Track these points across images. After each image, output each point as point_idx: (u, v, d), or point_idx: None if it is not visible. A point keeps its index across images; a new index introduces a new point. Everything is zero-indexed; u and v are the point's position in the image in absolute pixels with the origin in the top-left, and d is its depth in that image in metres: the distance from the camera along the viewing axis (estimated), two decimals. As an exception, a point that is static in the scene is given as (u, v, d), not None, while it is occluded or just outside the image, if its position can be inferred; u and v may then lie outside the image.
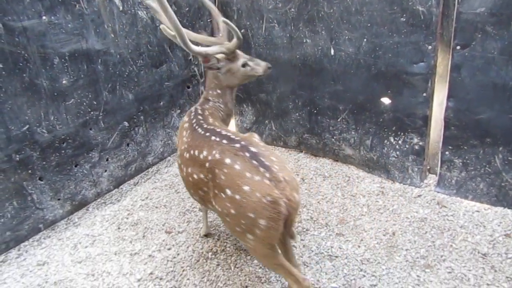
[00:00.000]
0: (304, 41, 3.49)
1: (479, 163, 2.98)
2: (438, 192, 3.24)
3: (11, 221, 2.90)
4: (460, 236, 2.81)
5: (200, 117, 2.50)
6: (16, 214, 2.92)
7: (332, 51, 3.34)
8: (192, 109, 2.68)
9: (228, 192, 1.90)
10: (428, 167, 3.39)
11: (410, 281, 2.51)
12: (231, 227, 2.02)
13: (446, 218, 2.99)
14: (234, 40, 2.49)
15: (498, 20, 2.54)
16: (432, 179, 3.38)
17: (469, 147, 2.98)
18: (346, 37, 3.22)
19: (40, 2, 2.77)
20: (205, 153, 2.12)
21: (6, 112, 2.74)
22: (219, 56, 2.58)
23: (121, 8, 3.26)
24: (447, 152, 3.10)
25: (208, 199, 2.16)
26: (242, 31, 3.89)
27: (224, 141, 2.10)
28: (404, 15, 2.90)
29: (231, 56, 2.61)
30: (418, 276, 2.54)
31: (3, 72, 2.68)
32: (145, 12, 3.43)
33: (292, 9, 3.43)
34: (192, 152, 2.23)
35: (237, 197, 1.86)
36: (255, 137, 2.20)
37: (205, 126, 2.36)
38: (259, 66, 2.69)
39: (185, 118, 2.62)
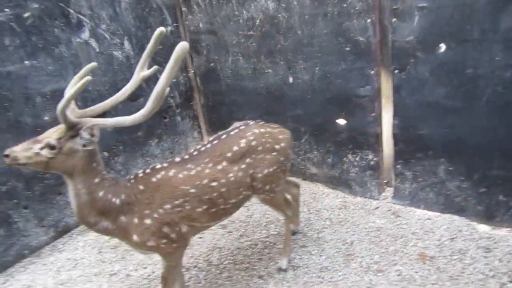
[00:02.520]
0: (266, 71, 3.83)
1: (426, 174, 3.26)
2: (394, 203, 3.51)
3: (-3, 248, 3.15)
4: (411, 242, 3.05)
5: None
6: (3, 241, 3.17)
7: (291, 79, 3.68)
8: None
9: None
10: (386, 181, 3.67)
11: (362, 284, 2.73)
12: None
13: (400, 227, 3.25)
14: None
15: (425, 47, 2.89)
16: (389, 191, 3.64)
17: (416, 160, 3.26)
18: (302, 66, 3.57)
19: (23, 49, 3.12)
20: None
21: (-7, 148, 3.03)
22: None
23: (97, 49, 3.61)
24: (398, 166, 3.39)
25: None
26: (212, 64, 4.25)
27: None
28: (348, 45, 3.24)
29: None
30: (370, 279, 2.76)
31: (-11, 112, 3.00)
32: (120, 52, 3.79)
33: (254, 43, 3.79)
34: None
35: None
36: None
37: None
38: None
39: None
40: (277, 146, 2.56)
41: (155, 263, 3.22)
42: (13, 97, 3.12)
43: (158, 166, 2.35)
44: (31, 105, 3.23)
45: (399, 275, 2.76)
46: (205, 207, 2.32)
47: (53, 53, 3.31)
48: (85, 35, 3.52)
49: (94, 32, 3.58)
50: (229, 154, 2.40)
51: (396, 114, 3.25)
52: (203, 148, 2.44)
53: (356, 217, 3.45)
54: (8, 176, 3.13)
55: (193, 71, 4.51)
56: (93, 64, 2.31)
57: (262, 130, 2.57)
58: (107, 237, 3.63)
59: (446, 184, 3.17)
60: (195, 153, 2.42)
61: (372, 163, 3.53)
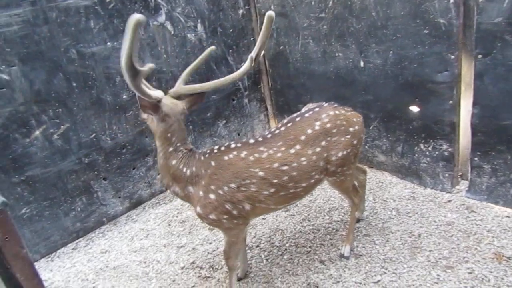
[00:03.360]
0: (336, 54, 3.74)
1: (507, 169, 3.01)
2: (469, 197, 3.29)
3: (80, 214, 3.45)
4: (486, 240, 2.86)
5: None
6: (85, 208, 3.47)
7: (362, 63, 3.56)
8: None
9: None
10: (460, 173, 3.45)
11: (429, 279, 2.63)
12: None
13: (474, 223, 3.05)
14: None
15: (515, 29, 2.63)
16: (464, 185, 3.43)
17: (497, 152, 3.02)
18: (374, 50, 3.43)
19: (105, 31, 3.34)
20: None
21: (78, 123, 3.31)
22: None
23: (172, 32, 3.75)
24: (476, 158, 3.16)
25: None
26: (281, 47, 4.23)
27: None
28: (427, 27, 3.05)
29: None
30: (438, 275, 2.65)
31: (76, 90, 3.26)
32: (193, 34, 3.91)
33: (325, 26, 3.70)
34: None
35: None
36: None
37: None
38: None
39: None
40: (351, 129, 2.51)
41: (219, 239, 3.35)
42: (96, 76, 3.35)
43: (233, 145, 2.43)
44: (112, 84, 3.45)
45: (470, 273, 2.61)
46: (272, 190, 2.35)
47: (132, 35, 3.50)
48: (162, 18, 3.67)
49: (170, 15, 3.72)
50: (303, 137, 2.39)
51: (476, 103, 3.01)
52: (277, 131, 2.46)
53: (425, 209, 3.30)
54: (89, 149, 3.41)
55: (262, 53, 4.52)
56: (212, 47, 2.58)
57: (336, 112, 2.53)
58: (176, 212, 3.84)
59: (530, 181, 2.92)
60: (269, 135, 2.45)
61: (446, 153, 3.33)
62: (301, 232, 3.30)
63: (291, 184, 2.37)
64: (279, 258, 3.04)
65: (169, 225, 3.70)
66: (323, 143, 2.42)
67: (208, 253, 3.23)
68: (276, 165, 2.32)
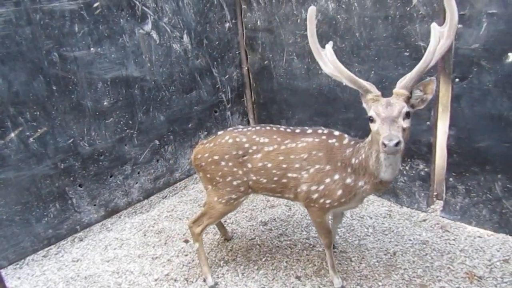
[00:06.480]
0: (320, 72, 3.79)
1: (480, 190, 3.09)
2: (443, 217, 3.36)
3: (53, 220, 3.35)
4: (458, 259, 2.91)
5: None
6: (58, 215, 3.38)
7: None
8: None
9: None
10: (436, 193, 3.52)
11: (403, 297, 2.66)
12: None
13: (447, 242, 3.11)
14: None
15: (491, 55, 2.74)
16: (439, 204, 3.49)
17: (471, 174, 3.11)
18: (356, 69, 3.50)
19: (90, 36, 3.31)
20: None
21: (56, 127, 3.25)
22: None
23: (158, 41, 3.75)
24: (451, 179, 3.24)
25: None
26: (266, 62, 4.28)
27: None
28: (408, 50, 3.15)
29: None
30: (412, 293, 2.68)
31: (56, 93, 3.20)
32: (178, 45, 3.91)
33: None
34: None
35: None
36: None
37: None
38: (382, 134, 1.99)
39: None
40: None
41: (195, 252, 3.30)
42: (78, 81, 3.31)
43: None
44: (93, 89, 3.41)
45: (442, 291, 2.65)
46: None
47: (117, 42, 3.48)
48: (148, 27, 3.67)
49: (156, 24, 3.72)
50: None
51: (452, 125, 3.11)
52: None
53: (401, 227, 3.34)
54: (66, 154, 3.33)
55: (246, 67, 4.56)
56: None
57: None
58: (152, 222, 3.77)
59: (502, 202, 2.99)
60: None
61: (422, 173, 3.41)
62: (278, 247, 3.28)
63: None
64: (255, 273, 3.01)
65: (145, 235, 3.63)
66: None
67: (184, 265, 3.17)
68: None
